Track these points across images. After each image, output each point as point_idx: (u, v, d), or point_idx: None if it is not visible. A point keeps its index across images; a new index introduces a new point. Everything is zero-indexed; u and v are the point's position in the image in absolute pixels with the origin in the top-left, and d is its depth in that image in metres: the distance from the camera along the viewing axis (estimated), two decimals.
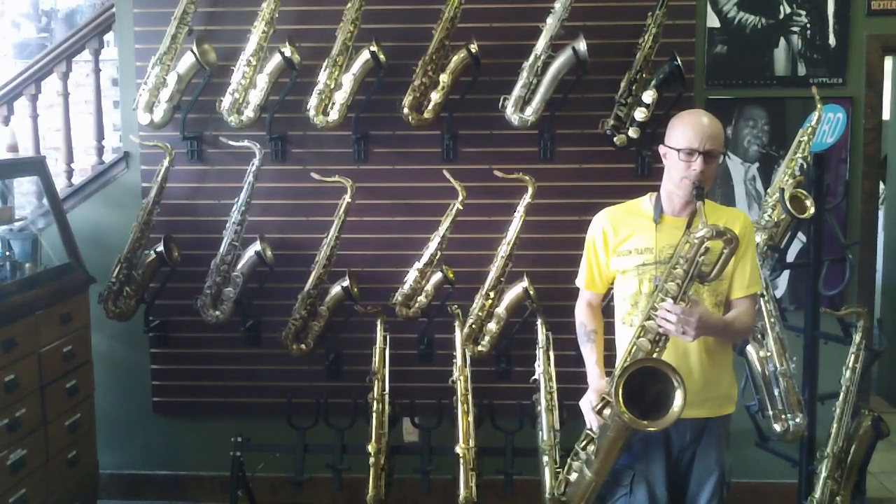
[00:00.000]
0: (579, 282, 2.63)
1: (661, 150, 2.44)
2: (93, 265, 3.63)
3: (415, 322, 3.63)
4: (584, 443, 2.44)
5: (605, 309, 2.68)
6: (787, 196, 3.04)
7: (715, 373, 2.46)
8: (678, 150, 2.35)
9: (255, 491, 3.54)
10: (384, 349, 3.47)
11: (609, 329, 2.61)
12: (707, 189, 2.37)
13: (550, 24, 3.37)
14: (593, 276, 2.57)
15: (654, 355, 2.29)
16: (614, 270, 2.51)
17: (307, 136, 3.67)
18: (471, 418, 3.25)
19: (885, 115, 4.41)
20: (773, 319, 2.96)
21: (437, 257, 3.52)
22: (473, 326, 3.50)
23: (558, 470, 2.66)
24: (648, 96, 3.42)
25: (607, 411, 2.32)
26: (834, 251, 3.34)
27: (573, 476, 2.51)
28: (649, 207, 2.48)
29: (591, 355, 2.55)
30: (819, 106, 3.23)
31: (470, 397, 3.30)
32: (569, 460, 2.55)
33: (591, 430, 2.43)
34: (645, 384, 2.24)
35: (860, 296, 3.69)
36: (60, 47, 3.92)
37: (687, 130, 2.35)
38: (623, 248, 2.47)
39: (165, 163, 3.55)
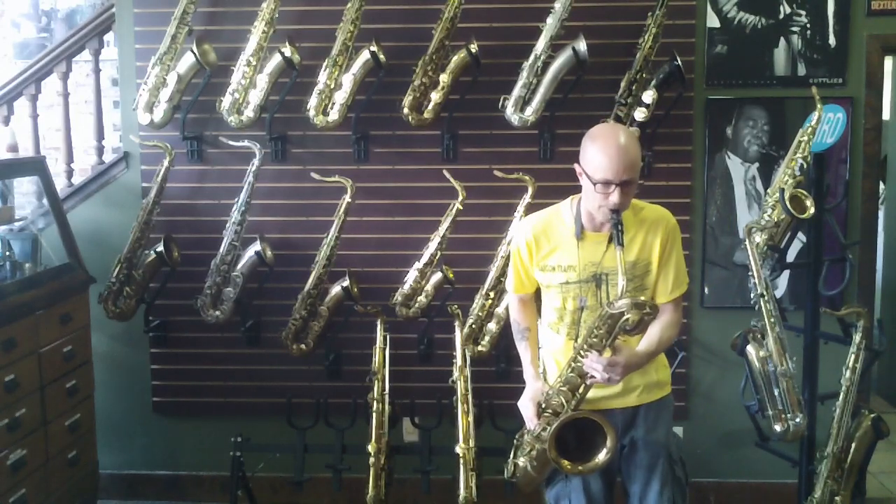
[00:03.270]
0: (509, 286, 2.64)
1: (577, 168, 2.36)
2: (93, 265, 3.63)
3: (415, 322, 3.63)
4: (528, 450, 2.49)
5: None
6: (787, 196, 3.04)
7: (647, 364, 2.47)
8: (594, 183, 2.26)
9: (255, 491, 3.54)
10: (384, 349, 3.47)
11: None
12: (625, 208, 2.32)
13: (550, 24, 3.37)
14: (522, 282, 2.58)
15: (582, 389, 2.34)
16: (538, 281, 2.52)
17: (307, 136, 3.68)
18: (471, 418, 3.25)
19: (885, 115, 4.41)
20: (773, 319, 2.95)
21: (437, 257, 3.52)
22: (473, 326, 3.50)
23: (509, 460, 2.72)
24: (648, 96, 3.42)
25: (545, 435, 2.38)
26: (834, 251, 3.33)
27: (521, 461, 2.55)
28: (570, 217, 2.44)
29: (525, 353, 2.58)
30: (819, 106, 3.23)
31: (470, 397, 3.30)
32: (515, 446, 2.61)
33: (530, 431, 2.47)
34: (578, 424, 2.34)
35: (860, 296, 3.69)
36: (60, 47, 3.92)
37: (603, 160, 2.24)
38: (546, 264, 2.46)
39: (165, 163, 3.56)
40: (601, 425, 2.29)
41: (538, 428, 2.43)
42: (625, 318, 2.20)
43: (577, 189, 2.40)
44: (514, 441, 2.62)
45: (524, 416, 2.50)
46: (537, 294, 2.62)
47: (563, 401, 2.36)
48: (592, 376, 2.29)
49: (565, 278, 2.42)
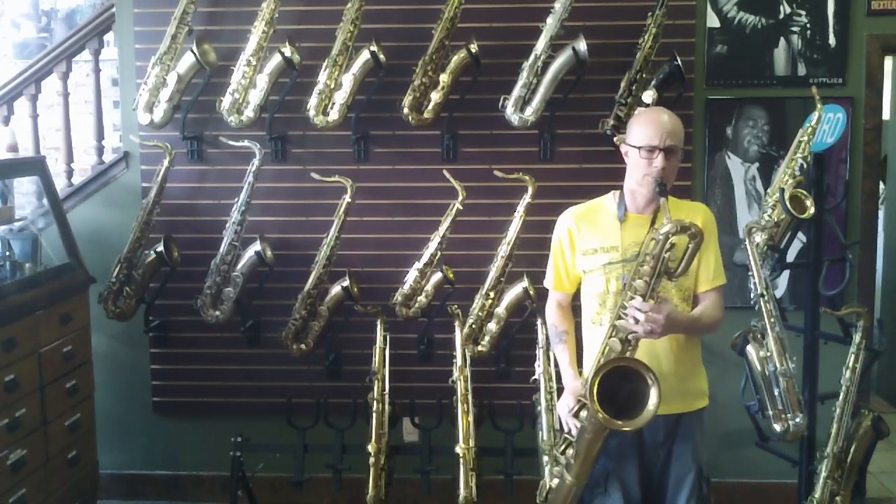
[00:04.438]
0: (547, 283, 2.65)
1: (623, 148, 2.46)
2: (93, 265, 3.63)
3: (415, 322, 3.63)
4: (562, 447, 2.45)
5: (575, 309, 2.68)
6: (787, 196, 3.04)
7: (686, 368, 2.47)
8: (639, 148, 2.36)
9: (255, 491, 3.54)
10: (384, 349, 3.47)
11: (579, 329, 2.62)
12: (669, 186, 2.37)
13: (550, 24, 3.37)
14: (561, 277, 2.59)
15: (626, 354, 2.29)
16: (581, 270, 2.52)
17: (307, 136, 3.67)
18: (471, 418, 3.25)
19: (885, 115, 4.41)
20: (773, 319, 2.95)
21: (437, 257, 3.52)
22: (473, 326, 3.50)
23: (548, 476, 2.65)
24: (648, 96, 3.40)
25: (584, 413, 2.33)
26: (834, 251, 3.33)
27: (555, 482, 2.51)
28: (613, 205, 2.50)
29: (563, 356, 2.57)
30: (819, 106, 3.23)
31: (470, 397, 3.30)
32: (548, 466, 2.56)
33: (569, 433, 2.44)
34: (619, 384, 2.24)
35: (860, 296, 3.69)
36: (60, 47, 3.92)
37: (646, 128, 2.37)
38: (588, 247, 2.48)
39: (165, 163, 3.55)
40: (643, 375, 2.19)
41: (576, 406, 2.38)
42: (670, 241, 2.22)
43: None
44: (544, 456, 2.56)
45: (562, 418, 2.47)
46: (575, 296, 2.62)
47: None
48: (635, 332, 2.24)
49: (608, 259, 2.44)
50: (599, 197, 2.57)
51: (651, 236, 2.28)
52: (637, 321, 2.24)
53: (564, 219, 2.56)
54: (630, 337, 2.28)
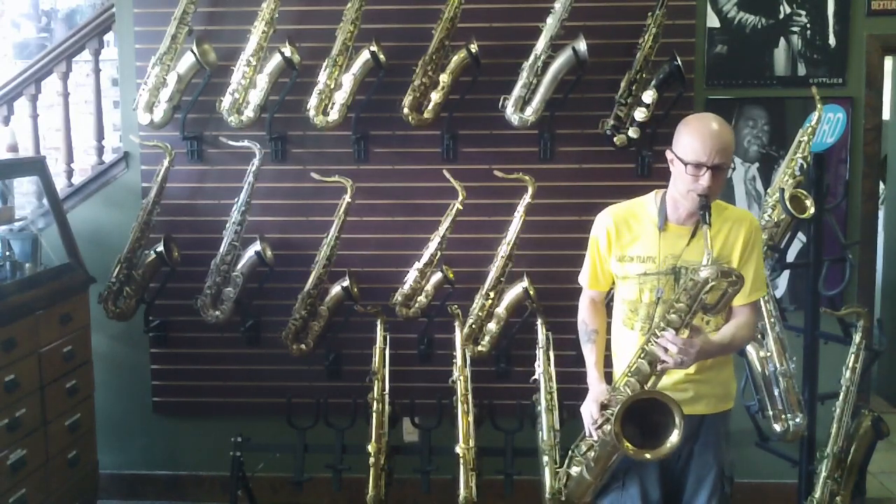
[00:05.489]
0: (582, 280, 2.60)
1: (669, 155, 2.35)
2: (93, 265, 3.63)
3: (415, 322, 3.63)
4: (585, 450, 2.44)
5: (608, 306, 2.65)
6: (787, 196, 3.04)
7: (714, 371, 2.44)
8: (685, 164, 2.26)
9: (255, 491, 3.54)
10: (384, 349, 3.47)
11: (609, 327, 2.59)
12: (713, 199, 2.31)
13: (550, 24, 3.37)
14: (597, 275, 2.54)
15: (653, 378, 2.27)
16: (615, 274, 2.49)
17: (307, 136, 3.67)
18: (471, 418, 3.25)
19: (885, 115, 4.41)
20: (773, 319, 2.96)
21: (437, 257, 3.52)
22: (473, 326, 3.50)
23: (558, 469, 2.65)
24: (648, 96, 3.42)
25: (607, 427, 2.31)
26: (834, 251, 3.34)
27: (574, 471, 2.50)
28: (654, 210, 2.42)
29: (590, 356, 2.53)
30: (819, 106, 3.23)
31: (470, 397, 3.30)
32: (569, 456, 2.55)
33: (590, 436, 2.42)
34: (646, 407, 2.23)
35: (860, 296, 3.69)
36: (60, 47, 3.92)
37: (695, 142, 2.24)
38: (625, 254, 2.43)
39: (165, 163, 3.55)
40: (669, 407, 2.18)
41: (601, 419, 2.35)
42: (709, 285, 2.17)
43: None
44: (570, 451, 2.53)
45: (585, 420, 2.44)
46: (608, 295, 2.59)
47: (630, 392, 2.28)
48: (664, 361, 2.22)
49: (644, 269, 2.39)
50: (640, 197, 2.49)
51: (691, 276, 2.22)
52: (667, 351, 2.21)
53: (603, 218, 2.49)
54: (659, 367, 2.25)
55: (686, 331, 2.22)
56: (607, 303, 2.63)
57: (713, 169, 2.23)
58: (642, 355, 2.29)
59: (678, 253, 2.35)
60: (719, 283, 2.17)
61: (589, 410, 2.41)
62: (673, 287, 2.35)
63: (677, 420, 2.18)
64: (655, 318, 2.35)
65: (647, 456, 2.22)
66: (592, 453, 2.40)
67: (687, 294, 2.22)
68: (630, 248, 2.42)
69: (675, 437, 2.18)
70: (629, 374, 2.31)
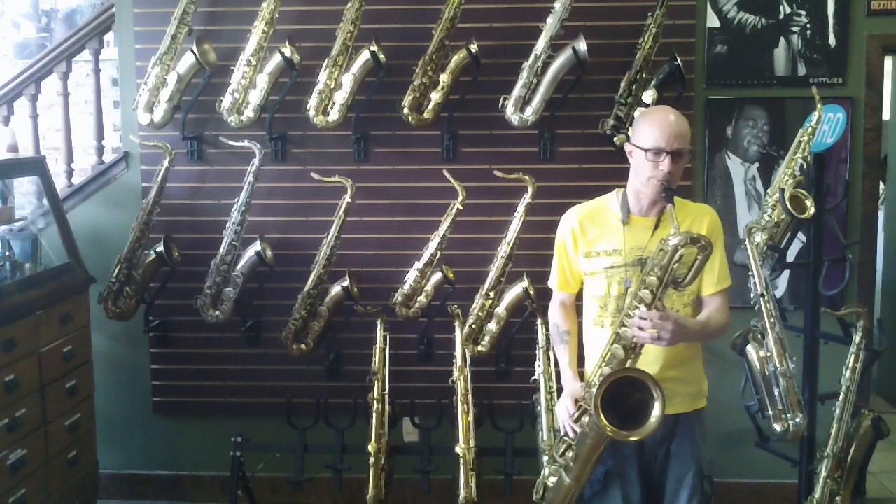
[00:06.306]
0: (552, 283, 2.63)
1: (627, 147, 2.41)
2: (93, 265, 3.63)
3: (415, 322, 3.63)
4: (561, 449, 2.43)
5: (577, 308, 2.66)
6: (787, 196, 3.04)
7: (685, 369, 2.45)
8: (645, 150, 2.32)
9: (255, 491, 3.54)
10: (384, 349, 3.47)
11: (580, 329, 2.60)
12: (674, 187, 2.33)
13: (550, 24, 3.37)
14: (566, 276, 2.57)
15: (629, 362, 2.26)
16: (583, 272, 2.50)
17: (307, 136, 3.68)
18: (471, 418, 3.25)
19: (885, 115, 4.41)
20: (773, 319, 2.95)
21: (437, 257, 3.52)
22: (473, 326, 3.50)
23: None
24: (648, 96, 3.42)
25: (585, 419, 2.32)
26: (834, 251, 3.33)
27: (551, 480, 2.50)
28: (616, 206, 2.46)
29: (563, 356, 2.56)
30: (819, 106, 3.23)
31: (470, 397, 3.30)
32: (545, 465, 2.55)
33: (567, 436, 2.42)
34: (623, 391, 2.23)
35: (860, 296, 3.69)
36: (60, 47, 3.92)
37: (654, 129, 2.31)
38: (592, 250, 2.46)
39: (165, 163, 3.55)
40: (646, 384, 2.17)
41: (578, 412, 2.35)
42: (679, 252, 2.17)
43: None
44: (544, 456, 2.54)
45: (560, 419, 2.45)
46: (578, 295, 2.60)
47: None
48: (640, 342, 2.22)
49: (610, 262, 2.42)
50: (602, 196, 2.55)
51: (659, 247, 2.23)
52: (642, 329, 2.20)
53: (568, 219, 2.54)
54: (634, 341, 2.24)
55: (656, 310, 2.21)
56: (578, 305, 2.64)
57: (673, 154, 2.29)
58: (616, 339, 2.29)
59: (644, 244, 2.38)
60: (689, 250, 2.18)
61: (564, 406, 2.42)
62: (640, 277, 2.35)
63: (656, 394, 2.17)
64: (625, 306, 2.34)
65: (633, 438, 2.20)
66: (571, 453, 2.40)
67: (658, 266, 2.21)
68: (596, 244, 2.46)
69: (657, 411, 2.17)
70: (604, 364, 2.31)
